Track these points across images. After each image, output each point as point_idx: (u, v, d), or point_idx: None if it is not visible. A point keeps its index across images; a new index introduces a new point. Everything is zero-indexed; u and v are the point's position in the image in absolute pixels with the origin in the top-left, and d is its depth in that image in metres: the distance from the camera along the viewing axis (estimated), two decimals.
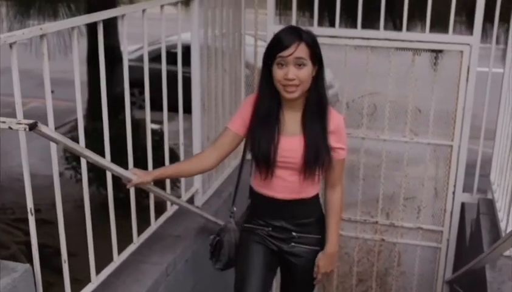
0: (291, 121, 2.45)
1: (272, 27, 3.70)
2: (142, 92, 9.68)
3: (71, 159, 5.75)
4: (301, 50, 2.30)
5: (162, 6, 2.83)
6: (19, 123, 1.80)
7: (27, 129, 1.79)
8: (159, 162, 2.96)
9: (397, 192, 4.05)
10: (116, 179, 2.56)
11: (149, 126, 2.90)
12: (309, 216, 2.59)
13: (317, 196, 2.61)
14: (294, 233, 2.58)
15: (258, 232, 2.62)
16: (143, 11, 2.62)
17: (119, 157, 2.39)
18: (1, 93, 9.79)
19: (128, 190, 2.58)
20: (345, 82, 3.83)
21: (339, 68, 3.79)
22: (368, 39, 3.61)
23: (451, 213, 3.97)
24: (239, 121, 2.52)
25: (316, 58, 2.36)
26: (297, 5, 3.78)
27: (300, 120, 2.44)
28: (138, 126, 3.84)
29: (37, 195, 2.01)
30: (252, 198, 2.64)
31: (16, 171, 6.98)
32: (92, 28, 6.74)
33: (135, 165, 2.73)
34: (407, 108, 3.77)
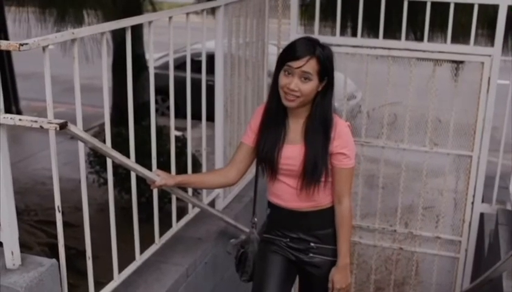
0: (295, 129, 2.47)
1: (295, 36, 3.74)
2: (165, 100, 9.81)
3: (94, 163, 5.85)
4: (310, 65, 2.31)
5: (187, 14, 2.91)
6: (50, 123, 1.88)
7: (58, 129, 1.87)
8: (180, 168, 3.02)
9: (417, 201, 4.07)
10: (138, 183, 2.63)
11: (173, 132, 2.96)
12: (326, 226, 2.56)
13: (333, 207, 2.55)
14: (312, 244, 2.57)
15: (277, 242, 2.63)
16: (170, 18, 2.69)
17: (142, 163, 2.46)
18: (26, 97, 10.03)
19: (150, 195, 2.64)
20: (366, 91, 3.87)
21: (360, 78, 3.83)
22: (389, 49, 3.65)
23: (470, 223, 3.98)
24: (249, 133, 2.56)
25: (325, 73, 2.35)
26: (320, 15, 3.83)
27: (302, 129, 2.45)
28: (161, 133, 3.91)
29: (60, 198, 2.09)
30: (269, 208, 2.66)
31: (40, 174, 7.12)
32: (117, 35, 6.87)
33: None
34: (428, 118, 3.79)
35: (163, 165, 2.86)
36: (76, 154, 2.25)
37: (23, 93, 9.98)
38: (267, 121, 2.49)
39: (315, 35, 3.78)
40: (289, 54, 2.35)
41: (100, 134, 6.78)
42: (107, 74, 2.42)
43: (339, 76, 4.44)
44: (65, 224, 2.18)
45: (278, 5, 3.91)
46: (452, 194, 4.02)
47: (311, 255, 2.58)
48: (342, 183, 2.48)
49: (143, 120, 4.14)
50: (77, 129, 1.99)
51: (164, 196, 4.04)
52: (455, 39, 3.63)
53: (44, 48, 1.95)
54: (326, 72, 2.35)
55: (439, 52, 3.61)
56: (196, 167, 3.42)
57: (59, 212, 2.08)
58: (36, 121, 1.90)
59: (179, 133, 4.31)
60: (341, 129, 2.42)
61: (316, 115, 2.41)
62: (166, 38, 2.75)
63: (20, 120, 1.91)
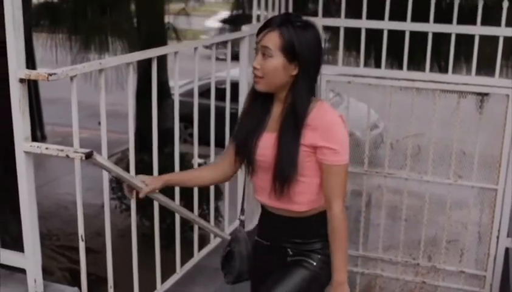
0: (274, 116, 2.19)
1: None
2: (187, 127, 9.83)
3: (117, 189, 5.88)
4: (268, 39, 2.06)
5: (212, 44, 2.94)
6: (76, 152, 1.90)
7: (83, 158, 1.89)
8: (203, 196, 3.03)
9: (440, 235, 4.02)
10: (161, 210, 2.64)
11: (196, 160, 2.97)
12: (310, 237, 2.22)
13: (320, 215, 2.20)
14: (289, 251, 2.23)
15: (260, 247, 2.34)
16: (195, 49, 2.73)
17: (163, 190, 2.46)
18: (51, 123, 10.15)
19: (171, 222, 2.61)
20: (390, 122, 3.85)
21: (384, 108, 3.82)
22: (413, 80, 3.64)
23: (495, 258, 3.91)
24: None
25: (292, 52, 2.05)
26: (344, 44, 3.84)
27: (279, 116, 2.16)
28: (183, 160, 3.93)
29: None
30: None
31: (63, 199, 7.17)
32: (142, 62, 6.95)
33: (180, 198, 2.81)
34: (452, 150, 3.76)
35: (185, 193, 2.87)
36: (99, 179, 2.27)
37: (48, 118, 10.10)
38: (248, 107, 2.25)
39: (339, 66, 3.80)
40: (258, 30, 2.15)
41: (122, 160, 6.82)
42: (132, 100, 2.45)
43: (361, 106, 4.46)
44: (87, 250, 2.19)
45: None
46: (477, 228, 3.97)
47: (288, 259, 2.24)
48: (331, 183, 2.11)
49: (165, 147, 4.16)
50: (102, 158, 2.01)
51: (185, 223, 4.04)
52: (480, 71, 3.61)
53: (71, 78, 1.99)
54: (293, 51, 2.05)
55: (464, 84, 3.59)
56: (218, 195, 3.42)
57: (82, 240, 2.09)
58: (62, 151, 1.92)
59: (201, 160, 4.32)
60: (325, 118, 2.10)
61: (290, 103, 2.12)
62: (190, 65, 2.78)
63: (47, 148, 1.94)
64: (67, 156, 1.91)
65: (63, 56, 6.13)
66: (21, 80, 1.90)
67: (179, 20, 8.18)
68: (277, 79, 2.10)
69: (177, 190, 2.74)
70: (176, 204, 2.76)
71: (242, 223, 2.50)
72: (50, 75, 1.88)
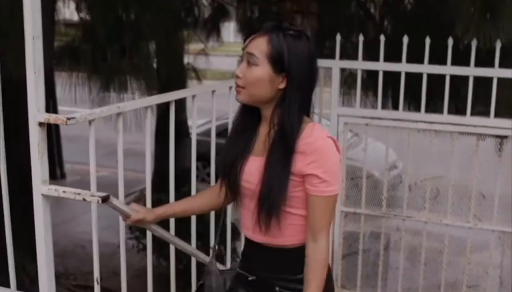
0: (260, 138, 2.00)
1: (336, 108, 3.76)
2: (206, 166, 9.86)
3: (134, 228, 5.89)
4: (255, 46, 1.88)
5: (230, 87, 2.96)
6: (93, 196, 1.91)
7: (100, 202, 1.90)
8: (221, 238, 3.01)
9: (460, 279, 3.94)
10: (177, 251, 2.63)
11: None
12: (299, 273, 2.00)
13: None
14: (277, 288, 2.03)
15: (243, 279, 2.14)
16: (213, 92, 2.75)
17: (181, 229, 2.46)
18: (70, 160, 10.24)
19: (188, 263, 2.58)
20: (408, 165, 3.82)
21: (402, 150, 3.80)
22: (431, 123, 3.62)
23: None
24: None
25: (280, 63, 1.86)
26: (361, 86, 3.84)
27: (266, 138, 1.96)
28: None
29: (99, 263, 2.11)
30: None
31: (80, 237, 7.18)
32: (161, 103, 7.02)
33: (198, 239, 2.80)
34: (471, 193, 3.72)
35: (202, 234, 2.86)
36: (115, 218, 2.27)
37: (67, 156, 10.21)
38: (235, 128, 2.07)
39: (357, 108, 3.80)
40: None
41: (140, 200, 6.85)
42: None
43: (380, 146, 4.44)
44: (103, 290, 2.19)
45: (319, 72, 3.93)
46: (498, 272, 3.89)
47: None
48: (317, 215, 1.91)
49: (183, 187, 4.16)
50: (118, 202, 2.01)
51: (202, 265, 4.02)
52: (499, 113, 3.59)
53: (90, 122, 2.01)
54: (281, 60, 1.85)
55: (483, 126, 3.56)
56: (236, 236, 3.41)
57: (97, 283, 2.08)
58: (79, 194, 1.93)
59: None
60: (316, 142, 1.88)
61: (276, 121, 1.92)
62: (208, 104, 2.80)
63: (64, 192, 1.95)
64: (84, 200, 1.92)
65: (84, 95, 6.22)
66: (40, 124, 1.93)
67: (198, 60, 8.28)
68: (261, 91, 1.90)
69: (193, 232, 2.73)
70: (171, 234, 2.64)
71: (214, 253, 2.32)
72: (69, 119, 1.90)
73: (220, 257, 2.85)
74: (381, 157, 3.93)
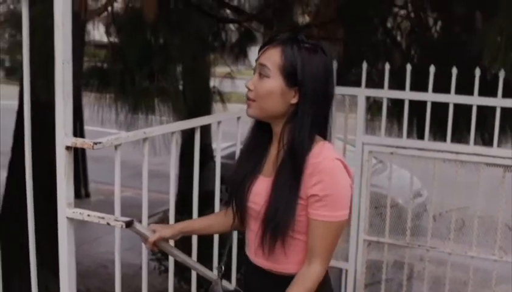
0: (270, 158, 1.91)
1: (361, 136, 3.74)
2: (228, 189, 9.82)
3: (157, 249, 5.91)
4: (267, 57, 1.80)
5: (238, 118, 2.96)
6: (117, 220, 1.93)
7: (124, 227, 1.91)
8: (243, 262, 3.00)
9: None
10: (199, 275, 2.62)
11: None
12: None
13: (326, 280, 1.94)
14: None
15: None
16: (238, 118, 2.76)
17: (204, 251, 2.45)
18: (95, 180, 10.34)
19: (208, 287, 2.52)
20: (433, 194, 3.78)
21: (427, 178, 3.76)
22: (457, 153, 3.59)
23: None
24: None
25: (293, 76, 1.77)
26: (387, 114, 3.82)
27: (275, 158, 1.87)
28: None
29: (121, 283, 2.12)
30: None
31: (103, 258, 7.23)
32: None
33: (219, 263, 2.79)
34: (497, 225, 3.66)
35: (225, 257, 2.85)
36: (138, 239, 2.27)
37: (92, 175, 10.31)
38: (246, 146, 1.99)
39: (381, 136, 3.78)
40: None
41: (163, 221, 6.87)
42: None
43: (404, 173, 4.39)
44: None
45: (345, 99, 3.93)
46: None
47: None
48: (315, 240, 1.78)
49: (206, 209, 4.17)
50: (142, 227, 2.03)
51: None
52: None
53: (116, 146, 2.03)
54: (294, 73, 1.76)
55: (509, 157, 3.52)
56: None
57: None
58: (103, 218, 1.95)
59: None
60: (323, 162, 1.77)
61: (286, 138, 1.82)
62: (233, 128, 2.81)
63: (88, 215, 1.97)
64: (108, 224, 1.94)
65: (111, 116, 6.30)
66: (67, 148, 1.95)
67: (224, 84, 8.34)
68: (272, 105, 1.80)
69: (215, 256, 2.72)
70: (185, 255, 2.53)
71: (220, 273, 2.22)
72: (95, 144, 1.93)
73: (227, 276, 2.80)
74: (406, 184, 3.90)
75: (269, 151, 1.92)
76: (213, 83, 7.50)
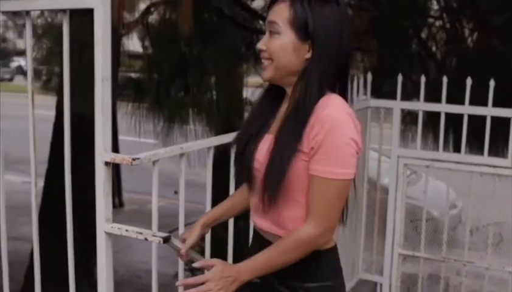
0: (280, 117, 1.78)
1: (397, 149, 3.72)
2: None
3: (189, 261, 5.93)
4: (276, 13, 1.67)
5: None
6: (154, 236, 1.94)
7: (161, 242, 1.93)
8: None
9: None
10: None
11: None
12: (303, 278, 1.74)
13: (325, 251, 1.76)
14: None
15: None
16: None
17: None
18: (128, 190, 10.44)
19: None
20: (469, 208, 3.73)
21: (462, 189, 3.70)
22: (494, 167, 3.54)
23: None
24: None
25: (304, 29, 1.65)
26: (422, 126, 3.79)
27: (284, 114, 1.75)
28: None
29: None
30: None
31: (136, 267, 7.27)
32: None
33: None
34: None
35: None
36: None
37: (126, 185, 10.41)
38: (255, 110, 1.88)
39: (417, 149, 3.75)
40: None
41: None
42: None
43: (439, 185, 4.35)
44: None
45: (379, 110, 3.91)
46: None
47: None
48: (313, 199, 1.64)
49: (239, 221, 4.17)
50: (178, 242, 2.04)
51: None
52: None
53: (153, 162, 2.06)
54: (305, 27, 1.65)
55: None
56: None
57: None
58: (141, 233, 1.97)
59: None
60: (325, 112, 1.61)
61: (296, 94, 1.70)
62: None
63: (126, 231, 1.99)
64: (146, 239, 1.96)
65: (146, 126, 6.37)
66: (106, 163, 1.98)
67: (257, 94, 8.35)
68: (287, 61, 1.68)
69: None
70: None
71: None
72: (134, 160, 1.95)
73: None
74: (440, 196, 3.86)
75: (278, 111, 1.80)
76: (246, 93, 7.53)
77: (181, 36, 3.88)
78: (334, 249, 1.81)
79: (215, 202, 6.13)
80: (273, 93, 1.82)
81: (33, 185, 2.16)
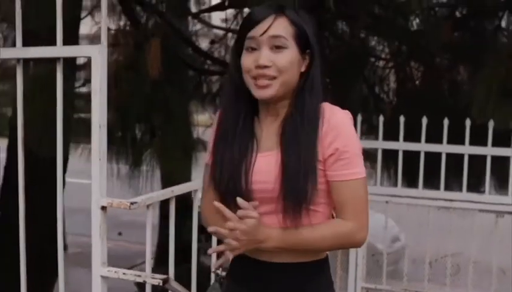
0: (269, 133, 1.72)
1: None
2: (208, 239, 9.81)
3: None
4: (279, 26, 1.64)
5: None
6: (154, 278, 1.97)
7: (161, 284, 1.96)
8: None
9: None
10: None
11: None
12: (322, 287, 1.75)
13: (323, 261, 1.77)
14: None
15: None
16: None
17: None
18: (72, 233, 10.18)
19: None
20: (427, 242, 3.87)
21: (422, 228, 3.84)
22: (451, 200, 3.72)
23: None
24: (210, 148, 1.82)
25: (305, 42, 1.67)
26: (382, 163, 3.95)
27: (278, 131, 1.69)
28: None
29: None
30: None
31: None
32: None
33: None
34: (491, 269, 3.78)
35: None
36: None
37: (69, 227, 10.14)
38: (224, 133, 1.74)
39: (377, 186, 3.90)
40: (247, 22, 1.69)
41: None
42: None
43: (379, 218, 4.48)
44: None
45: None
46: None
47: None
48: (349, 201, 1.65)
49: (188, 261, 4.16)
50: (177, 284, 2.07)
51: None
52: None
53: (148, 206, 2.10)
54: (305, 39, 1.66)
55: (501, 204, 3.66)
56: None
57: None
58: (139, 276, 1.99)
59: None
60: (332, 117, 1.64)
61: (299, 109, 1.66)
62: None
63: (124, 274, 2.01)
64: (145, 282, 1.98)
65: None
66: (103, 208, 2.00)
67: (207, 133, 8.39)
68: (293, 76, 1.66)
69: None
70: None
71: (219, 278, 1.83)
72: (132, 204, 1.98)
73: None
74: (382, 229, 3.99)
75: (259, 129, 1.74)
76: (196, 133, 7.58)
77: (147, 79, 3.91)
78: (328, 259, 1.81)
79: (162, 244, 6.07)
80: (240, 111, 1.74)
81: None
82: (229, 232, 1.58)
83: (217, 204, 1.62)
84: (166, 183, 7.82)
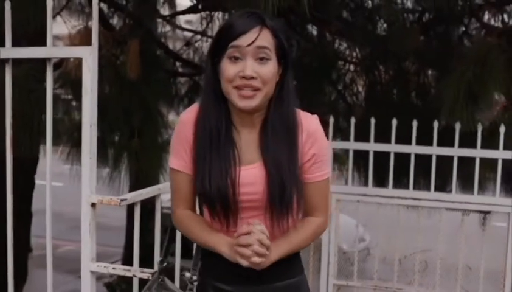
0: (248, 144, 1.75)
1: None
2: (171, 241, 9.84)
3: None
4: (264, 38, 1.65)
5: None
6: (143, 272, 2.02)
7: (150, 277, 2.01)
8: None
9: None
10: None
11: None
12: (292, 274, 1.85)
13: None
14: None
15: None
16: None
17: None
18: (33, 235, 10.08)
19: None
20: (397, 240, 3.99)
21: (392, 226, 3.95)
22: (419, 199, 3.85)
23: None
24: (185, 156, 1.78)
25: (283, 53, 1.70)
26: (353, 164, 4.05)
27: (257, 142, 1.75)
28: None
29: None
30: (206, 254, 1.81)
31: None
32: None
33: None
34: (458, 266, 3.92)
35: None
36: None
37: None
38: (206, 143, 1.73)
39: (349, 185, 4.01)
40: (229, 32, 1.67)
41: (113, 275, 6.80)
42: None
43: (347, 220, 4.59)
44: None
45: None
46: None
47: None
48: (318, 200, 1.81)
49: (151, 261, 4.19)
50: (170, 282, 2.12)
51: None
52: (482, 190, 3.85)
53: (136, 203, 2.15)
54: (283, 50, 1.70)
55: (467, 202, 3.81)
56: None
57: None
58: (129, 271, 2.05)
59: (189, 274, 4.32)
60: (310, 124, 1.74)
61: (276, 118, 1.71)
62: None
63: (113, 269, 2.07)
64: (134, 276, 2.04)
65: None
66: (93, 204, 2.05)
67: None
68: (272, 87, 1.69)
69: None
70: None
71: (192, 284, 1.83)
72: (122, 200, 2.04)
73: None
74: (349, 230, 4.09)
75: (238, 139, 1.76)
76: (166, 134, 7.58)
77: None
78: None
79: (128, 243, 6.07)
80: (225, 123, 1.74)
81: None
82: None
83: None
84: (135, 183, 7.80)
